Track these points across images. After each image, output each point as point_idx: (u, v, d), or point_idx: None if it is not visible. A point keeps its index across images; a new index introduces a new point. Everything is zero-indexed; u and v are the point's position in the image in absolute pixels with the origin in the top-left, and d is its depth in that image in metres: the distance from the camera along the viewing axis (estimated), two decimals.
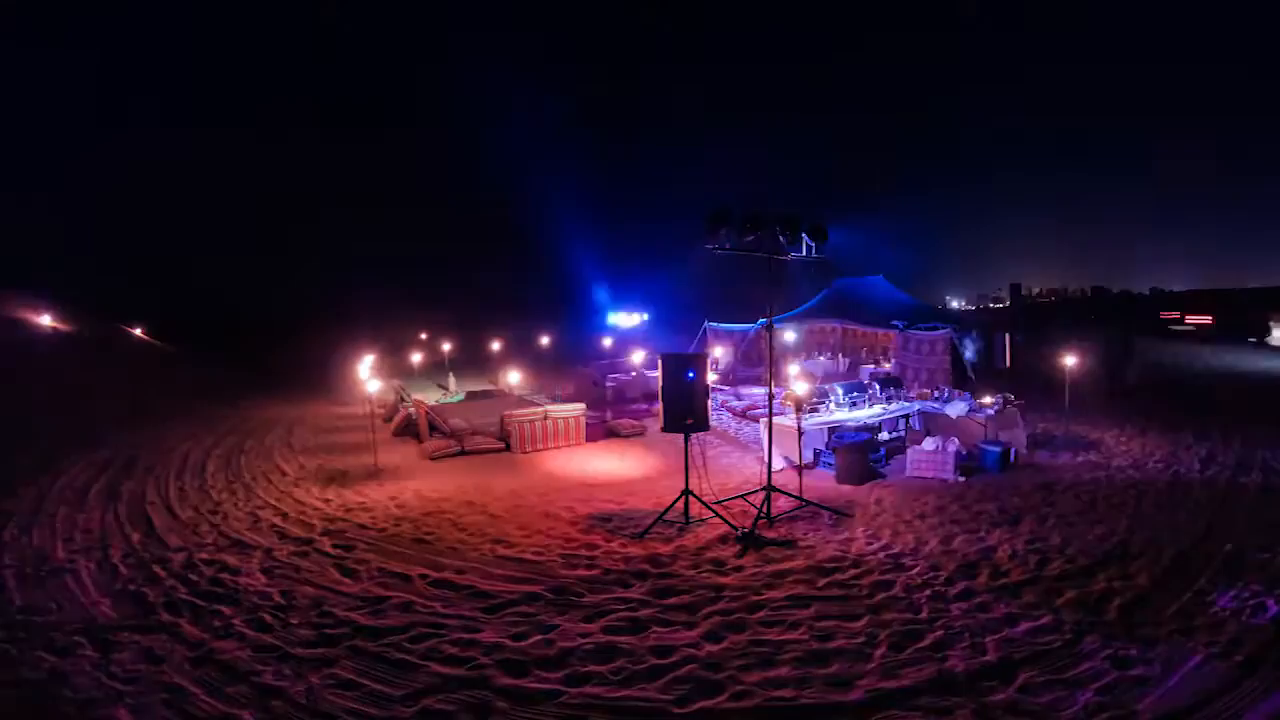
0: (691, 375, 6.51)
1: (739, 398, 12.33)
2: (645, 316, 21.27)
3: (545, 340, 23.20)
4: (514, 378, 13.30)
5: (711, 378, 8.22)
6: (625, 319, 20.62)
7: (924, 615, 4.40)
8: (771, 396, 7.25)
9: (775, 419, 7.63)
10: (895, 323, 13.66)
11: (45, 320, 20.26)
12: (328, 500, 7.73)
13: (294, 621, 4.56)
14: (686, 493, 6.69)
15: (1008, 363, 13.85)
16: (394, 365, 19.83)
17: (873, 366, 15.30)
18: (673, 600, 4.76)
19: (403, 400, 13.51)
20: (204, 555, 5.95)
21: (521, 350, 21.87)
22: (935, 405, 9.78)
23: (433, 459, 9.72)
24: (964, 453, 8.41)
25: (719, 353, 16.65)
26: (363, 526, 6.69)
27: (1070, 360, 10.19)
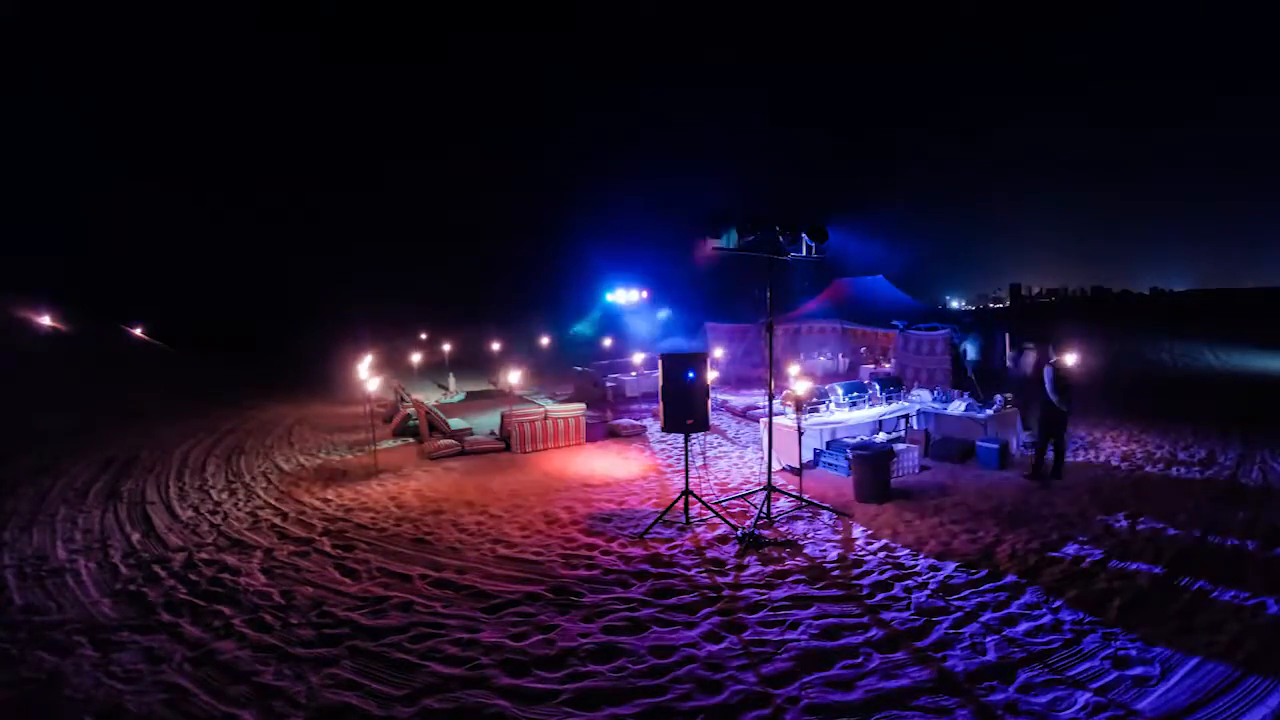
0: (691, 375, 6.51)
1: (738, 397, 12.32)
2: (645, 294, 21.04)
3: (545, 340, 23.20)
4: (514, 377, 13.34)
5: (712, 375, 8.18)
6: (625, 296, 20.41)
7: (923, 615, 4.41)
8: (772, 396, 7.25)
9: (775, 419, 7.62)
10: (895, 323, 13.67)
11: (45, 320, 20.26)
12: (328, 500, 7.73)
13: (294, 621, 4.56)
14: (686, 493, 6.69)
15: (1008, 363, 13.84)
16: (394, 365, 19.84)
17: (873, 366, 15.31)
18: (673, 600, 4.76)
19: (403, 400, 13.51)
20: (204, 555, 5.95)
21: (521, 350, 21.87)
22: (935, 405, 9.79)
23: (433, 459, 9.72)
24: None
25: (719, 353, 16.67)
26: (363, 526, 6.69)
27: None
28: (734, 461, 9.27)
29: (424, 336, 24.39)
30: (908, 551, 5.62)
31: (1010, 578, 4.98)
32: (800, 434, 7.54)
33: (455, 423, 10.83)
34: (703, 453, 9.70)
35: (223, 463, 9.84)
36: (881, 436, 9.04)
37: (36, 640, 4.36)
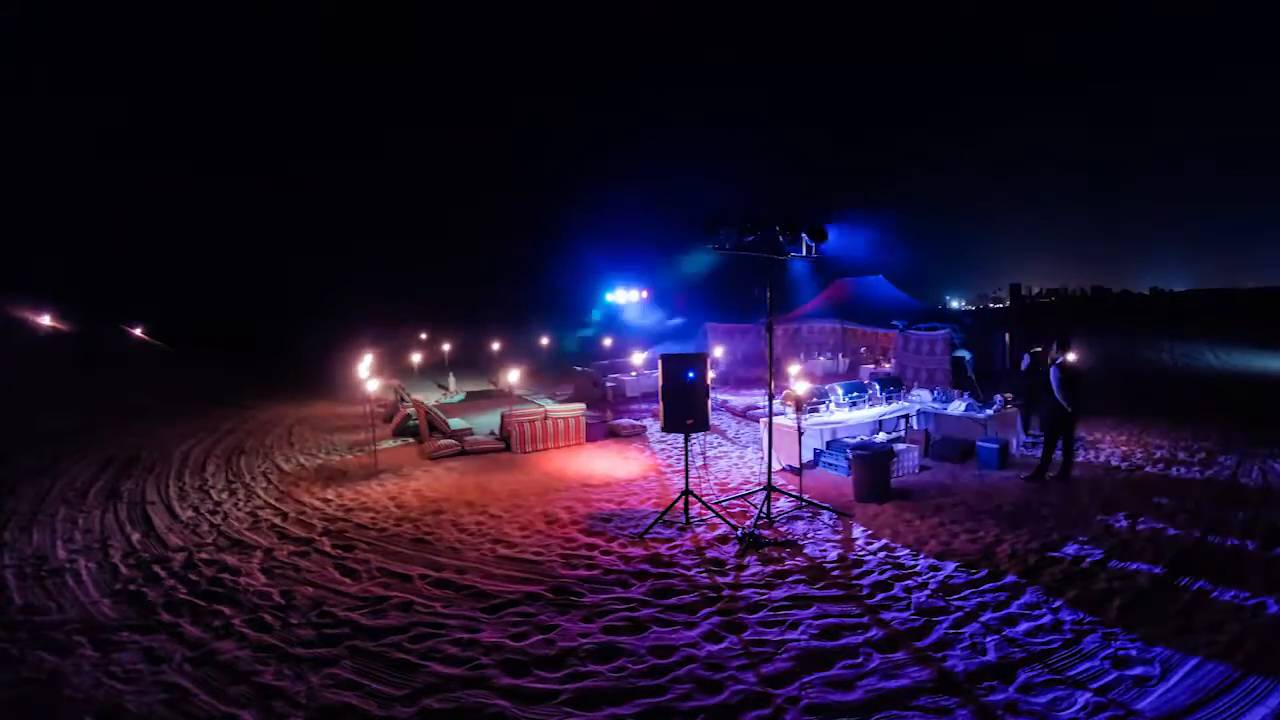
0: (691, 375, 6.51)
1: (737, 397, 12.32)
2: (645, 294, 21.18)
3: (545, 340, 23.20)
4: (514, 377, 13.33)
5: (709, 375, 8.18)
6: (624, 295, 20.53)
7: (923, 615, 4.41)
8: (772, 396, 7.25)
9: (775, 419, 7.62)
10: (895, 323, 13.70)
11: (45, 320, 20.26)
12: (328, 500, 7.73)
13: (294, 621, 4.56)
14: (687, 493, 6.69)
15: (1008, 363, 13.86)
16: (394, 365, 19.83)
17: (873, 366, 15.31)
18: (673, 600, 4.76)
19: (403, 400, 13.51)
20: (204, 555, 5.95)
21: (521, 350, 21.88)
22: (935, 405, 9.79)
23: (433, 459, 9.72)
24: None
25: (719, 353, 16.67)
26: (363, 526, 6.69)
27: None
28: (734, 461, 9.27)
29: (424, 336, 24.38)
30: (908, 551, 5.62)
31: (1010, 578, 4.98)
32: (800, 434, 7.54)
33: (455, 423, 10.83)
34: (703, 453, 9.71)
35: (223, 463, 9.84)
36: (881, 436, 9.04)
37: (36, 640, 4.35)
